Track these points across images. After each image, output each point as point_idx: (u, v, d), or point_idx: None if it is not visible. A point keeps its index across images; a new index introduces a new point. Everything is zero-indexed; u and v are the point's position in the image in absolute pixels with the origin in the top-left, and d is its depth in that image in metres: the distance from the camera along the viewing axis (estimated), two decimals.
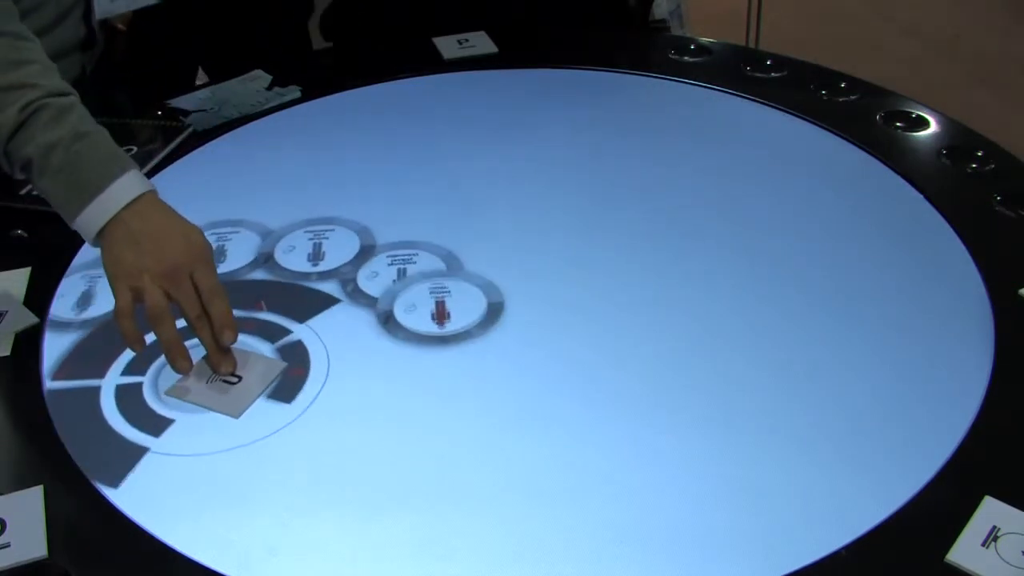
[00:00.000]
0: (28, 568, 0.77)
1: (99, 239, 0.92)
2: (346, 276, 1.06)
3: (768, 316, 1.00)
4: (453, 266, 1.06)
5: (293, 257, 1.09)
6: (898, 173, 1.20)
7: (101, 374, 0.95)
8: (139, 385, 0.93)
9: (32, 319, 1.01)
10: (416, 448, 0.87)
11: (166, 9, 1.58)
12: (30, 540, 0.78)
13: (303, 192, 1.20)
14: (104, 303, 1.01)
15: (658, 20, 1.94)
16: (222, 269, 1.06)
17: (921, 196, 1.16)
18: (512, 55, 1.48)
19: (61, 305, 1.03)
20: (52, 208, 0.94)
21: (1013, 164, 1.20)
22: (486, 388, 0.92)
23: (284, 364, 0.95)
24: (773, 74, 1.42)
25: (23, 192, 1.19)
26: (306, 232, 1.13)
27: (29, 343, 0.98)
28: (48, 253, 1.10)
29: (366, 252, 1.09)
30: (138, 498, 0.83)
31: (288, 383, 0.93)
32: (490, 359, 0.95)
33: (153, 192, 0.94)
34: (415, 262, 1.07)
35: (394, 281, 1.04)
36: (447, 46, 1.49)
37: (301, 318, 1.00)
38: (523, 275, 1.05)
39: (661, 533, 0.78)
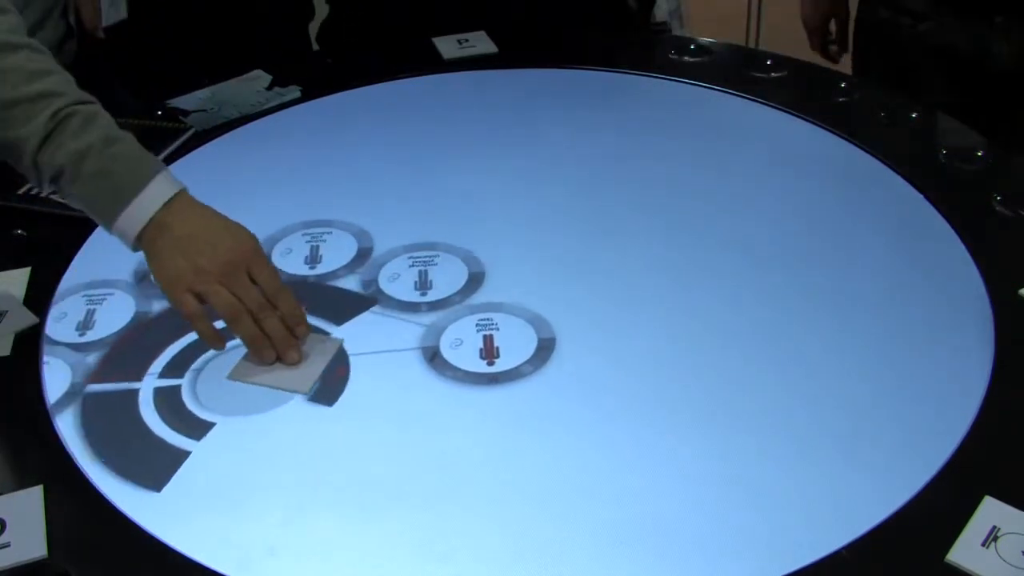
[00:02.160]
0: (28, 568, 0.77)
1: (139, 243, 0.93)
2: (367, 278, 1.06)
3: (768, 316, 1.00)
4: (474, 266, 1.06)
5: (291, 260, 1.09)
6: (898, 173, 1.20)
7: (139, 377, 0.94)
8: (178, 388, 0.93)
9: (32, 319, 1.00)
10: (416, 448, 0.87)
11: (166, 11, 1.58)
12: (30, 540, 0.78)
13: (302, 193, 1.20)
14: (106, 325, 1.00)
15: (659, 22, 1.95)
16: None
17: (921, 196, 1.16)
18: (512, 55, 1.48)
19: (63, 328, 1.00)
20: (81, 213, 0.95)
21: (1013, 164, 1.20)
22: (484, 390, 0.92)
23: (341, 339, 0.96)
24: (773, 74, 1.42)
25: (23, 192, 1.19)
26: (303, 235, 1.12)
27: (29, 343, 0.98)
28: (48, 253, 1.10)
29: (363, 255, 1.09)
30: (138, 498, 0.83)
31: (329, 386, 0.93)
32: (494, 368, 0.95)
33: (185, 190, 0.94)
34: (436, 263, 1.07)
35: (417, 288, 1.03)
36: (447, 46, 1.50)
37: (338, 320, 1.00)
38: (522, 272, 1.05)
39: (661, 533, 0.78)
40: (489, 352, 0.95)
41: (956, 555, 0.75)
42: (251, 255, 0.93)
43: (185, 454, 0.86)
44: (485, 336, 0.97)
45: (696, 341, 0.97)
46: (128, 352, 0.97)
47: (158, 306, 1.03)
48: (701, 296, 1.02)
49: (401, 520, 0.80)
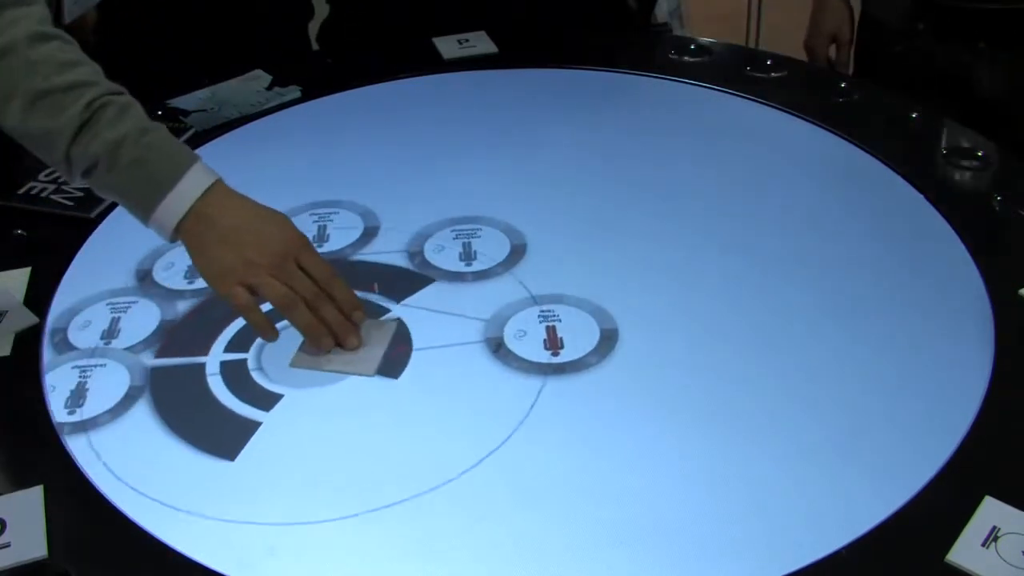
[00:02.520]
0: (28, 568, 0.77)
1: (177, 234, 0.92)
2: (413, 249, 1.09)
3: (768, 316, 1.00)
4: (516, 238, 1.10)
5: None
6: (898, 173, 1.20)
7: (205, 351, 0.96)
8: (243, 361, 0.95)
9: (32, 319, 1.00)
10: (416, 448, 0.87)
11: (166, 11, 1.58)
12: (30, 540, 0.78)
13: (305, 190, 1.20)
14: (132, 334, 0.99)
15: (660, 23, 1.94)
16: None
17: (921, 196, 1.16)
18: (512, 55, 1.48)
19: (87, 335, 0.99)
20: (82, 212, 0.93)
21: (1013, 164, 1.20)
22: (474, 390, 0.92)
23: (397, 319, 0.98)
24: (773, 74, 1.42)
25: (23, 192, 1.19)
26: (311, 215, 1.14)
27: (29, 343, 0.98)
28: (48, 253, 1.10)
29: (369, 233, 1.11)
30: (138, 498, 0.83)
31: (393, 360, 0.94)
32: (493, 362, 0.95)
33: (221, 180, 0.94)
34: (480, 236, 1.10)
35: (462, 259, 1.07)
36: (447, 46, 1.50)
37: (397, 298, 1.02)
38: (531, 267, 1.05)
39: (661, 533, 0.78)
40: (553, 343, 0.96)
41: (956, 555, 0.75)
42: (299, 245, 0.93)
43: (255, 425, 0.88)
44: (548, 327, 0.98)
45: (694, 341, 0.97)
46: (191, 328, 1.00)
47: (183, 309, 1.02)
48: (699, 296, 1.02)
49: (401, 520, 0.80)
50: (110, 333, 0.99)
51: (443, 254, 1.08)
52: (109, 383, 0.94)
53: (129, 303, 1.03)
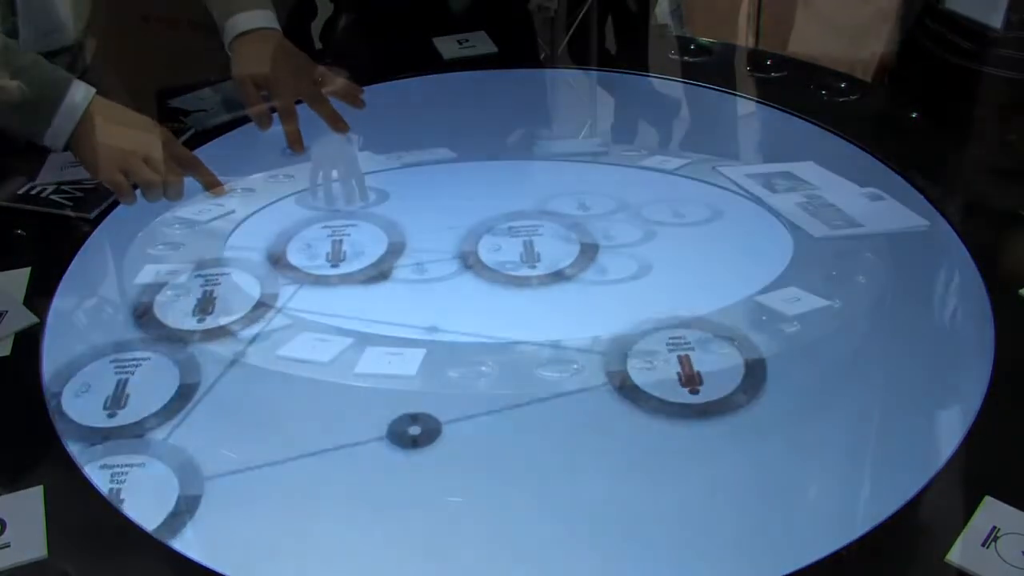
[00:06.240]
0: (28, 568, 0.77)
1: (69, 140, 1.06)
2: (466, 250, 1.04)
3: (767, 315, 1.00)
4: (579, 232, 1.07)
5: (310, 256, 1.09)
6: (898, 173, 1.20)
7: None
8: None
9: (32, 319, 1.00)
10: (416, 448, 0.87)
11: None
12: (30, 540, 0.78)
13: (305, 190, 1.20)
14: (142, 404, 0.87)
15: (660, 25, 1.94)
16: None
17: (921, 196, 1.16)
18: (512, 55, 1.48)
19: (87, 405, 0.88)
20: (82, 212, 1.08)
21: (1012, 164, 1.20)
22: (458, 383, 0.92)
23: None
24: (773, 74, 1.42)
25: (23, 192, 1.19)
26: (323, 227, 1.12)
27: (29, 343, 0.98)
28: (48, 253, 1.10)
29: (396, 250, 1.08)
30: (138, 498, 0.82)
31: None
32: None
33: (96, 93, 1.08)
34: (541, 234, 1.06)
35: (524, 260, 1.02)
36: (447, 46, 1.50)
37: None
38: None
39: (662, 533, 0.78)
40: (690, 378, 0.86)
41: (956, 555, 0.75)
42: (165, 139, 1.08)
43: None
44: (681, 357, 0.88)
45: (694, 340, 0.96)
46: None
47: (204, 365, 0.92)
48: (699, 295, 1.02)
49: (401, 520, 0.80)
50: (115, 402, 0.87)
51: (498, 253, 1.02)
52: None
53: (138, 361, 0.91)
